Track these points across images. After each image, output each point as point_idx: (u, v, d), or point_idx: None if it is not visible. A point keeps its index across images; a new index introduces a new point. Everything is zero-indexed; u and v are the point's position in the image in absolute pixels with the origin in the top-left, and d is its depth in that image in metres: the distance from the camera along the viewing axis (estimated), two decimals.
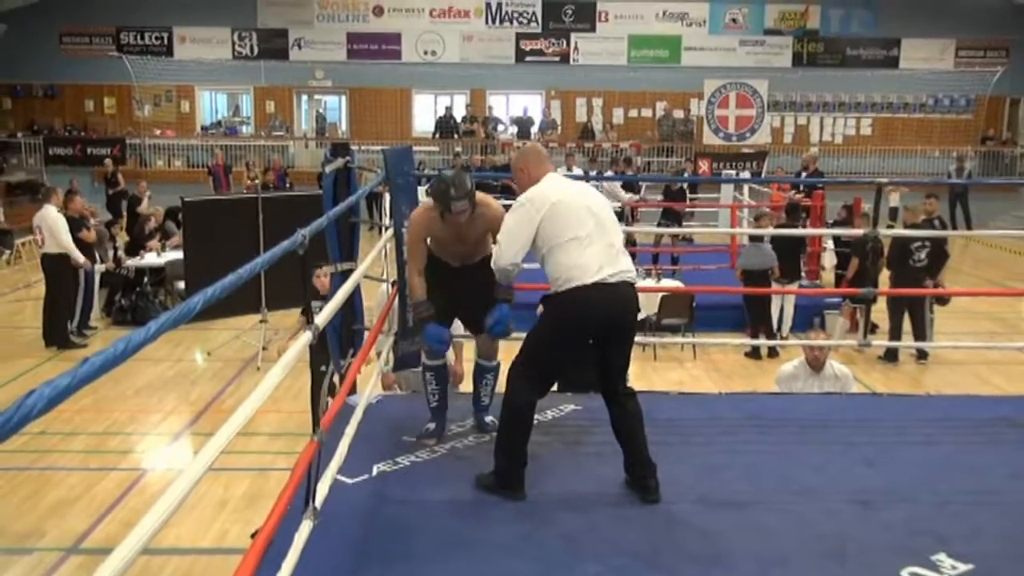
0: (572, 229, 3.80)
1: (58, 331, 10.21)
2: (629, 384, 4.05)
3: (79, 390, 1.47)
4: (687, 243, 15.37)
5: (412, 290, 4.41)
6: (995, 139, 22.48)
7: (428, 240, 4.42)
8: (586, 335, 3.88)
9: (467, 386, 6.38)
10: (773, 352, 9.93)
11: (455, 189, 4.20)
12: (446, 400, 4.56)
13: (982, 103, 22.37)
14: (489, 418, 4.60)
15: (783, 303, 10.64)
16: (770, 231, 10.19)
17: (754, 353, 10.03)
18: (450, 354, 6.24)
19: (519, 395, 3.89)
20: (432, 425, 4.51)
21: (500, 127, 22.11)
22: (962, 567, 3.31)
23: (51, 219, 10.19)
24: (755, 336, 9.99)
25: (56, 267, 10.27)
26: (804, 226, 12.07)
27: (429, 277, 4.38)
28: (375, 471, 4.09)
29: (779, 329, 10.58)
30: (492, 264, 4.04)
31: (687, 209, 16.13)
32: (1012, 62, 22.04)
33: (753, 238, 10.28)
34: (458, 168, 4.44)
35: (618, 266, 3.82)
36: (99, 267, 11.21)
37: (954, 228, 17.71)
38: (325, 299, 5.17)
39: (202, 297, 1.97)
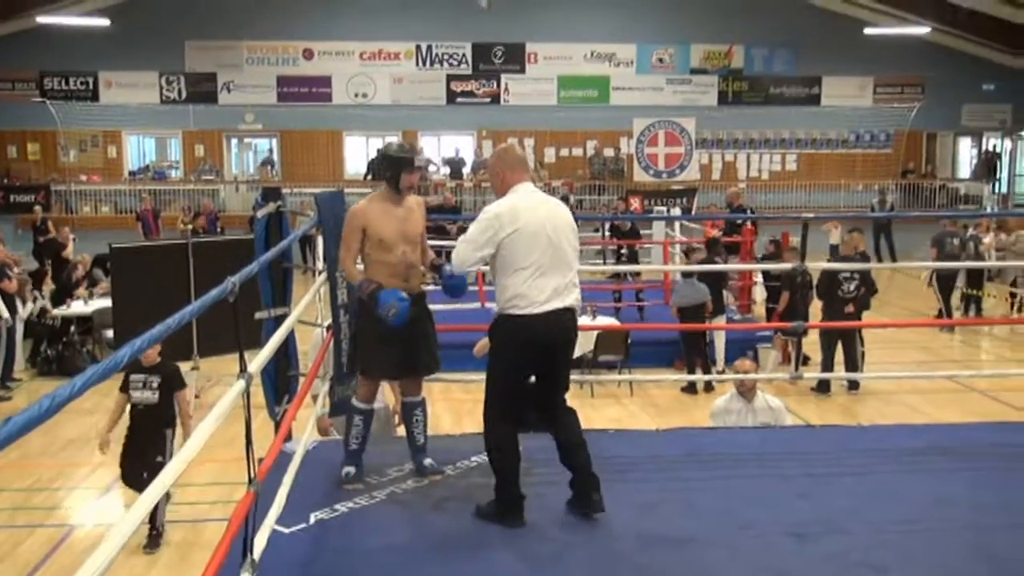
0: (531, 257, 3.85)
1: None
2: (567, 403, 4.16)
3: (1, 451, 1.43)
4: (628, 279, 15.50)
5: (350, 276, 4.41)
6: (915, 172, 23.20)
7: (371, 261, 4.35)
8: (532, 358, 3.97)
9: (403, 429, 6.34)
10: (709, 386, 10.05)
11: (408, 150, 4.45)
12: (366, 445, 4.49)
13: (901, 138, 23.09)
14: (428, 460, 4.54)
15: (713, 337, 10.77)
16: (697, 267, 10.35)
17: (690, 388, 10.13)
18: (389, 395, 6.21)
19: (492, 430, 4.02)
20: (352, 469, 4.44)
21: (432, 168, 22.15)
22: None
23: None
24: (691, 371, 10.09)
25: None
26: (725, 261, 12.26)
27: (375, 322, 4.23)
28: (313, 519, 4.03)
29: (713, 363, 10.71)
30: (452, 257, 4.07)
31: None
32: (928, 98, 22.82)
33: (686, 275, 10.42)
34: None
35: (567, 298, 3.92)
36: (21, 315, 10.91)
37: (879, 260, 18.18)
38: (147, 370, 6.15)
39: (129, 349, 1.94)
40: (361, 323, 4.46)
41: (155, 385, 6.19)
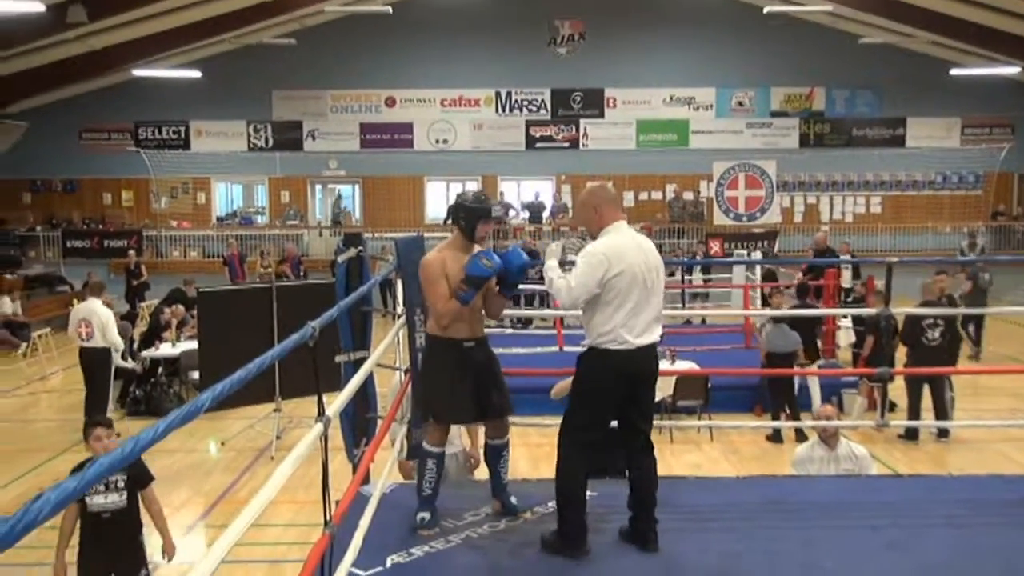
0: (628, 295, 3.96)
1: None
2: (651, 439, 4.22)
3: (86, 491, 1.47)
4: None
5: (449, 311, 4.27)
6: (1006, 214, 22.54)
7: (447, 299, 4.30)
8: (620, 391, 4.04)
9: (480, 473, 6.33)
10: (801, 435, 9.66)
11: (484, 200, 4.49)
12: (439, 489, 4.49)
13: (991, 179, 22.47)
14: (513, 499, 4.59)
15: (808, 384, 10.48)
16: (785, 312, 10.16)
17: (776, 436, 9.87)
18: (466, 439, 6.22)
19: (565, 462, 4.09)
20: (427, 515, 4.43)
21: (512, 213, 22.30)
22: None
23: (103, 315, 10.26)
24: (775, 418, 9.85)
25: (101, 361, 10.33)
26: (812, 306, 12.02)
27: (445, 369, 4.35)
28: (389, 563, 4.03)
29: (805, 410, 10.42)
30: (560, 286, 4.08)
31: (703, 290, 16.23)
32: (1018, 139, 22.23)
33: (776, 320, 10.20)
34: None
35: (654, 332, 4.08)
36: (122, 362, 11.25)
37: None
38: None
39: (210, 395, 1.98)
40: (430, 369, 4.50)
41: (121, 485, 5.10)
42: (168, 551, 5.33)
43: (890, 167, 22.61)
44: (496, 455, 4.60)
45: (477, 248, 4.45)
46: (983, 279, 14.50)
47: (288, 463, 2.56)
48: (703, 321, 15.51)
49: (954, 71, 20.98)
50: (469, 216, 4.40)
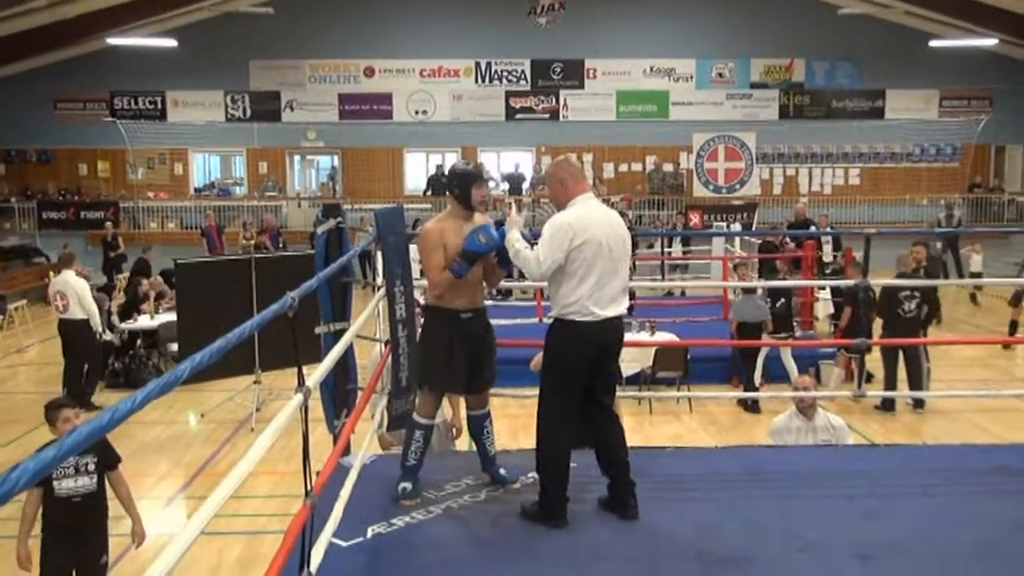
0: (592, 266, 4.00)
1: (80, 395, 10.17)
2: (615, 410, 4.38)
3: (64, 461, 1.46)
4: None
5: (442, 281, 4.31)
6: (982, 186, 22.68)
7: (441, 270, 4.32)
8: (588, 361, 4.09)
9: (461, 443, 6.35)
10: (755, 406, 9.87)
11: (475, 167, 4.53)
12: (423, 461, 4.50)
13: (968, 151, 22.59)
14: (502, 470, 4.63)
15: (781, 355, 10.57)
16: (765, 283, 10.22)
17: (750, 405, 9.95)
18: (447, 409, 6.23)
19: (545, 433, 4.16)
20: (409, 485, 4.43)
21: (491, 183, 22.18)
22: None
23: (78, 286, 10.19)
24: (748, 388, 9.94)
25: (80, 333, 10.26)
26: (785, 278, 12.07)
27: (442, 338, 4.38)
28: (370, 533, 4.04)
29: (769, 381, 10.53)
30: (529, 259, 4.11)
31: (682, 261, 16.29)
32: (996, 111, 22.33)
33: (747, 291, 10.30)
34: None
35: (620, 304, 4.12)
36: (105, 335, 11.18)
37: (946, 276, 17.76)
38: None
39: (190, 364, 1.97)
40: (427, 337, 4.52)
41: (92, 467, 4.92)
42: (138, 535, 5.19)
43: (869, 139, 22.68)
44: (479, 427, 4.63)
45: (477, 216, 4.47)
46: (935, 248, 14.66)
47: (268, 434, 2.56)
48: (683, 293, 15.57)
49: (933, 43, 21.01)
50: (462, 182, 4.42)
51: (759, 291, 10.23)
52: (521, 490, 4.55)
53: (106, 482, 5.05)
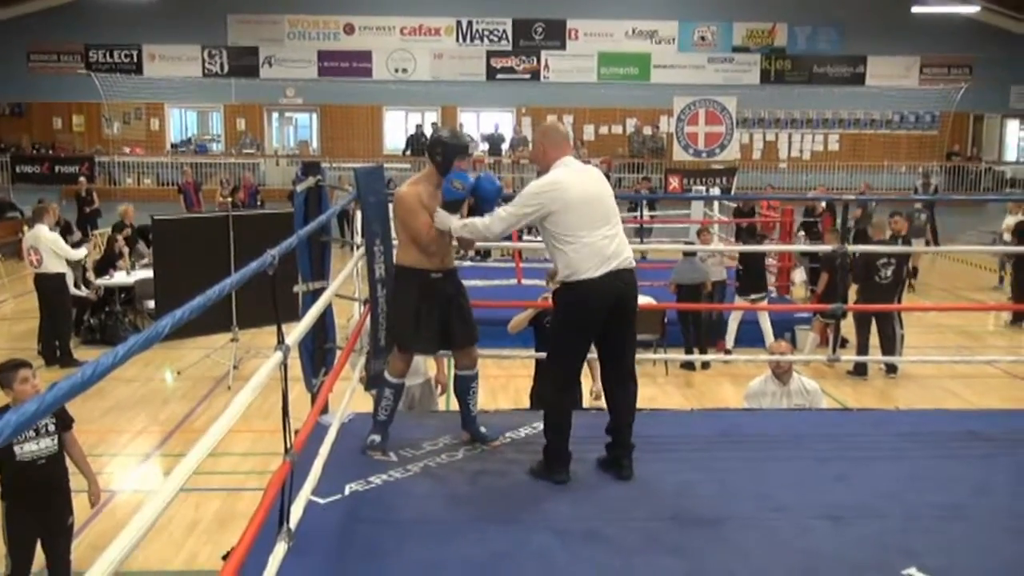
0: (582, 225, 4.03)
1: (62, 349, 10.13)
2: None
3: (46, 416, 1.46)
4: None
5: (436, 238, 4.38)
6: (960, 155, 22.81)
7: (408, 239, 4.43)
8: (597, 322, 4.11)
9: (441, 403, 6.38)
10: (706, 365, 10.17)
11: (461, 136, 4.57)
12: (393, 417, 4.58)
13: (947, 119, 22.67)
14: (483, 428, 4.68)
15: (757, 318, 10.66)
16: (744, 247, 10.27)
17: (690, 365, 10.10)
18: (432, 366, 6.26)
19: (553, 392, 4.28)
20: (378, 437, 4.51)
21: (472, 144, 22.13)
22: None
23: (50, 239, 10.08)
24: (688, 349, 10.07)
25: (55, 286, 10.18)
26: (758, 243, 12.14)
27: (411, 299, 4.43)
28: (347, 491, 4.07)
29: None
30: (476, 226, 4.25)
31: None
32: (975, 79, 22.38)
33: (686, 253, 10.36)
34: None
35: (621, 254, 4.09)
36: (76, 290, 11.07)
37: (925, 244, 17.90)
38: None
39: (170, 320, 1.96)
40: (396, 298, 4.57)
41: (52, 428, 4.83)
42: (95, 495, 5.12)
43: (849, 105, 22.71)
44: (465, 386, 4.67)
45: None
46: (918, 219, 14.76)
47: (247, 391, 2.56)
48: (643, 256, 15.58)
49: (915, 9, 20.98)
50: (447, 152, 4.38)
51: (697, 254, 10.31)
52: (498, 449, 4.59)
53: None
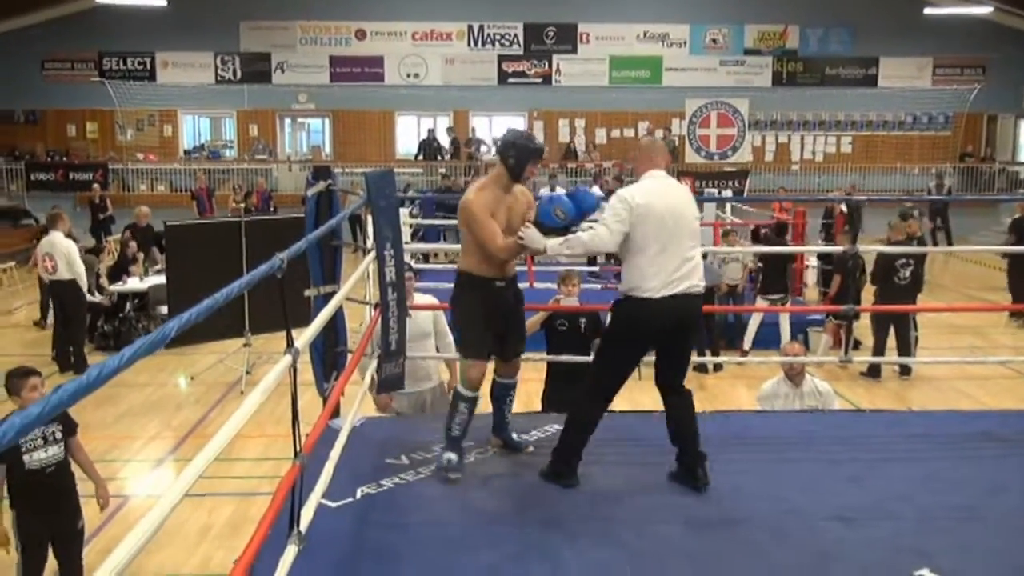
0: (654, 239, 3.96)
1: (76, 356, 10.18)
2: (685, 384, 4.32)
3: (50, 417, 1.46)
4: None
5: (507, 248, 4.20)
6: (974, 155, 22.68)
7: (472, 247, 4.30)
8: (648, 342, 4.14)
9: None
10: (718, 367, 10.14)
11: (533, 138, 4.41)
12: (467, 431, 4.38)
13: (960, 120, 22.55)
14: (515, 435, 4.67)
15: (778, 320, 10.60)
16: (758, 248, 10.24)
17: (702, 368, 10.05)
18: (444, 372, 6.26)
19: (584, 398, 4.22)
20: (454, 456, 4.30)
21: (483, 148, 22.18)
22: None
23: (65, 246, 10.11)
24: (700, 352, 10.01)
25: (72, 293, 10.22)
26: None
27: (477, 306, 4.31)
28: (359, 494, 4.08)
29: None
30: (581, 241, 4.09)
31: None
32: (989, 79, 22.27)
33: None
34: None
35: (688, 280, 4.03)
36: (89, 296, 11.13)
37: (935, 244, 17.85)
38: None
39: (177, 322, 1.97)
40: (462, 306, 4.41)
41: (59, 436, 4.87)
42: (103, 498, 5.12)
43: (862, 107, 22.62)
44: (504, 393, 4.64)
45: (516, 187, 4.34)
46: (922, 223, 14.65)
47: (256, 394, 2.57)
48: None
49: (928, 10, 20.90)
50: (521, 155, 4.23)
51: (709, 256, 10.24)
52: (510, 452, 4.59)
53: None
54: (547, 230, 4.14)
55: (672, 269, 3.98)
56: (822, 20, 22.29)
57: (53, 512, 4.88)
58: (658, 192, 4.06)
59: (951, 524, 3.81)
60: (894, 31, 21.78)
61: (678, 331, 4.12)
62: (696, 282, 4.07)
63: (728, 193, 17.74)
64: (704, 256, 10.12)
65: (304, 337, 3.27)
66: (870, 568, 3.44)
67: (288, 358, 2.94)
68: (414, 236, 14.62)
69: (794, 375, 6.09)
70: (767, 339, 10.42)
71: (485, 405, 4.81)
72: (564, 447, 4.19)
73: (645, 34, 22.35)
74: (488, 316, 4.31)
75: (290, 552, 2.97)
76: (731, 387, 9.72)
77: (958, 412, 6.26)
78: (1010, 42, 21.95)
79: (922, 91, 22.50)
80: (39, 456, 4.76)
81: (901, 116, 22.80)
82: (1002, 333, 12.35)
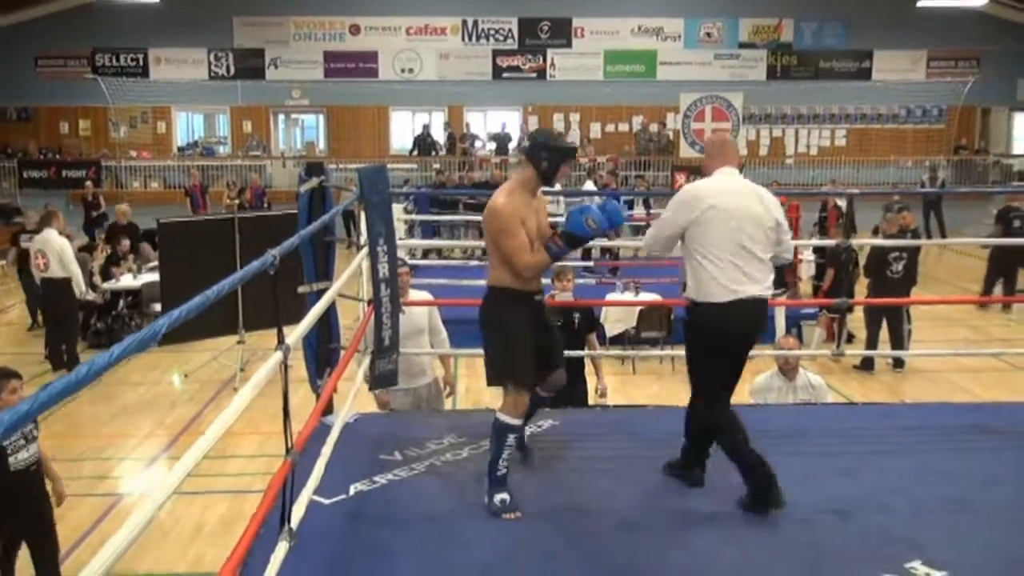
0: (719, 241, 3.78)
1: (69, 354, 10.13)
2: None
3: (40, 414, 1.46)
4: None
5: (537, 264, 3.91)
6: (967, 148, 22.70)
7: (532, 251, 3.94)
8: (726, 345, 3.90)
9: (450, 404, 6.38)
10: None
11: (570, 142, 4.27)
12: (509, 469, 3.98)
13: (954, 113, 22.59)
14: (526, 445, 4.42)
15: (773, 314, 10.62)
16: None
17: None
18: (438, 367, 6.27)
19: (711, 419, 3.98)
20: (507, 497, 3.87)
21: (478, 143, 22.16)
22: (936, 574, 3.33)
23: (58, 244, 10.01)
24: None
25: (63, 291, 10.13)
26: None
27: (520, 326, 3.93)
28: (352, 491, 4.07)
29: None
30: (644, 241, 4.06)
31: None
32: (983, 72, 22.29)
33: None
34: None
35: (755, 284, 3.81)
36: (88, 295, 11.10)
37: (928, 236, 17.88)
38: None
39: (167, 320, 1.96)
40: (499, 327, 4.00)
41: (35, 434, 4.86)
42: (59, 494, 5.08)
43: (856, 100, 22.63)
44: (534, 406, 4.29)
45: (542, 191, 4.14)
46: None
47: (247, 390, 2.57)
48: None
49: (921, 3, 20.88)
50: (555, 156, 3.97)
51: None
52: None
53: None
54: (576, 240, 3.95)
55: (735, 273, 3.78)
56: (816, 14, 22.30)
57: (31, 508, 4.88)
58: (724, 191, 3.87)
59: (943, 516, 3.82)
60: (888, 24, 21.78)
61: (744, 339, 3.91)
62: (764, 287, 3.86)
63: None
64: None
65: (295, 333, 3.27)
66: (862, 560, 3.45)
67: (279, 354, 2.94)
68: (409, 232, 14.64)
69: (788, 369, 6.09)
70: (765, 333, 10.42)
71: (470, 401, 4.81)
72: (746, 469, 3.91)
73: (639, 28, 22.34)
74: (535, 336, 3.97)
75: (281, 549, 2.97)
76: None
77: (951, 404, 6.28)
78: (1004, 34, 21.96)
79: (916, 84, 22.53)
80: (23, 456, 4.77)
81: (895, 109, 22.82)
82: (996, 325, 12.38)
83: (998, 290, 12.54)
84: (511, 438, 3.92)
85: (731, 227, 3.78)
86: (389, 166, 8.29)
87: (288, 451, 3.00)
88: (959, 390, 9.05)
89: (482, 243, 4.36)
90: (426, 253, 14.99)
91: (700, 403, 4.04)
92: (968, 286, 14.18)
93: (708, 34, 22.44)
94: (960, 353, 9.60)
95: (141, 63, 21.82)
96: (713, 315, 3.81)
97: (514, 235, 3.85)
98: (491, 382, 4.08)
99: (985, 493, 4.08)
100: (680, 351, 9.89)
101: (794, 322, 10.87)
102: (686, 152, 21.11)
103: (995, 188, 20.64)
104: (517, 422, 3.93)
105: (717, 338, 3.86)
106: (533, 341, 3.94)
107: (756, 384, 6.25)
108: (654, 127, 22.17)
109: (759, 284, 3.82)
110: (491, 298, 4.03)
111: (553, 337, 4.17)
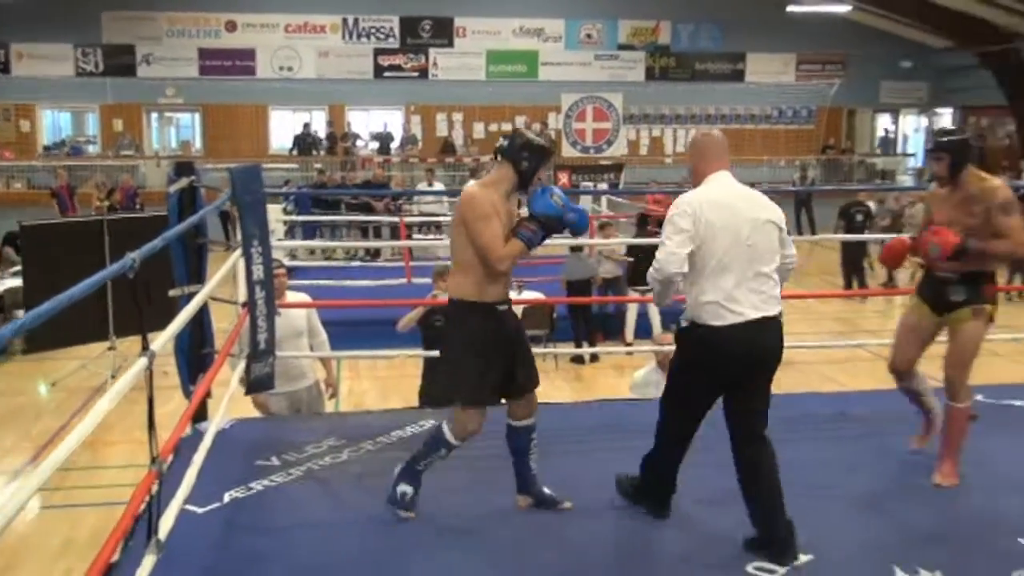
0: (725, 254, 3.41)
1: None
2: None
3: None
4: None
5: (512, 254, 3.63)
6: (835, 148, 23.67)
7: (466, 260, 3.67)
8: (722, 375, 3.55)
9: (331, 407, 6.29)
10: (595, 358, 10.36)
11: (546, 139, 3.99)
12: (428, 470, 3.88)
13: (822, 114, 23.51)
14: (547, 490, 3.98)
15: (647, 310, 10.85)
16: (628, 240, 10.43)
17: (579, 359, 10.29)
18: (319, 369, 6.17)
19: (663, 430, 3.80)
20: (410, 490, 3.81)
21: (360, 143, 21.93)
22: (803, 558, 3.46)
23: None
24: (578, 343, 10.20)
25: None
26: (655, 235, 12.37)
27: (478, 341, 3.67)
28: (227, 498, 3.98)
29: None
30: (652, 278, 3.53)
31: None
32: (848, 75, 23.27)
33: (573, 248, 10.49)
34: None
35: (764, 303, 3.46)
36: None
37: (800, 233, 18.54)
38: None
39: (11, 329, 1.87)
40: (461, 340, 3.74)
41: None
42: None
43: (731, 101, 23.33)
44: (525, 442, 3.90)
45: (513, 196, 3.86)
46: None
47: (107, 400, 2.47)
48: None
49: (790, 8, 21.61)
50: (535, 157, 3.70)
51: (585, 249, 10.48)
52: (382, 449, 4.55)
53: None
54: (551, 222, 3.68)
55: (737, 292, 3.40)
56: (692, 16, 22.86)
57: None
58: (720, 200, 3.50)
59: (810, 503, 3.94)
60: (760, 28, 22.48)
61: (753, 364, 3.52)
62: (773, 304, 3.49)
63: (604, 186, 18.02)
64: (580, 249, 10.31)
65: (161, 338, 3.17)
66: (734, 549, 3.54)
67: (143, 360, 2.84)
68: (289, 233, 14.38)
69: (667, 363, 6.21)
70: (645, 328, 10.66)
71: (352, 403, 4.76)
72: (651, 476, 3.86)
73: (521, 28, 22.49)
74: (495, 352, 3.68)
75: (148, 562, 2.87)
76: (605, 377, 9.89)
77: (816, 394, 6.52)
78: (868, 39, 22.93)
79: (787, 86, 23.37)
80: None
81: (768, 110, 23.61)
82: (863, 317, 12.93)
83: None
84: (443, 451, 3.79)
85: (723, 241, 3.42)
86: (269, 166, 8.15)
87: (153, 460, 2.89)
88: (829, 380, 9.40)
89: (365, 243, 4.33)
90: (312, 253, 14.75)
91: (657, 435, 3.83)
92: (838, 280, 14.78)
93: (588, 35, 22.75)
94: (826, 345, 9.99)
95: (2, 59, 20.81)
96: (702, 339, 3.48)
97: (487, 222, 3.57)
98: (438, 402, 3.92)
99: (848, 479, 4.27)
100: (563, 348, 10.01)
101: (673, 318, 11.07)
102: (568, 151, 21.33)
103: (859, 186, 21.53)
104: (457, 443, 3.76)
105: (713, 366, 3.52)
106: (492, 359, 3.68)
107: (636, 378, 6.37)
108: (536, 127, 22.34)
109: (761, 305, 3.46)
110: (449, 311, 3.85)
111: (519, 354, 3.79)
